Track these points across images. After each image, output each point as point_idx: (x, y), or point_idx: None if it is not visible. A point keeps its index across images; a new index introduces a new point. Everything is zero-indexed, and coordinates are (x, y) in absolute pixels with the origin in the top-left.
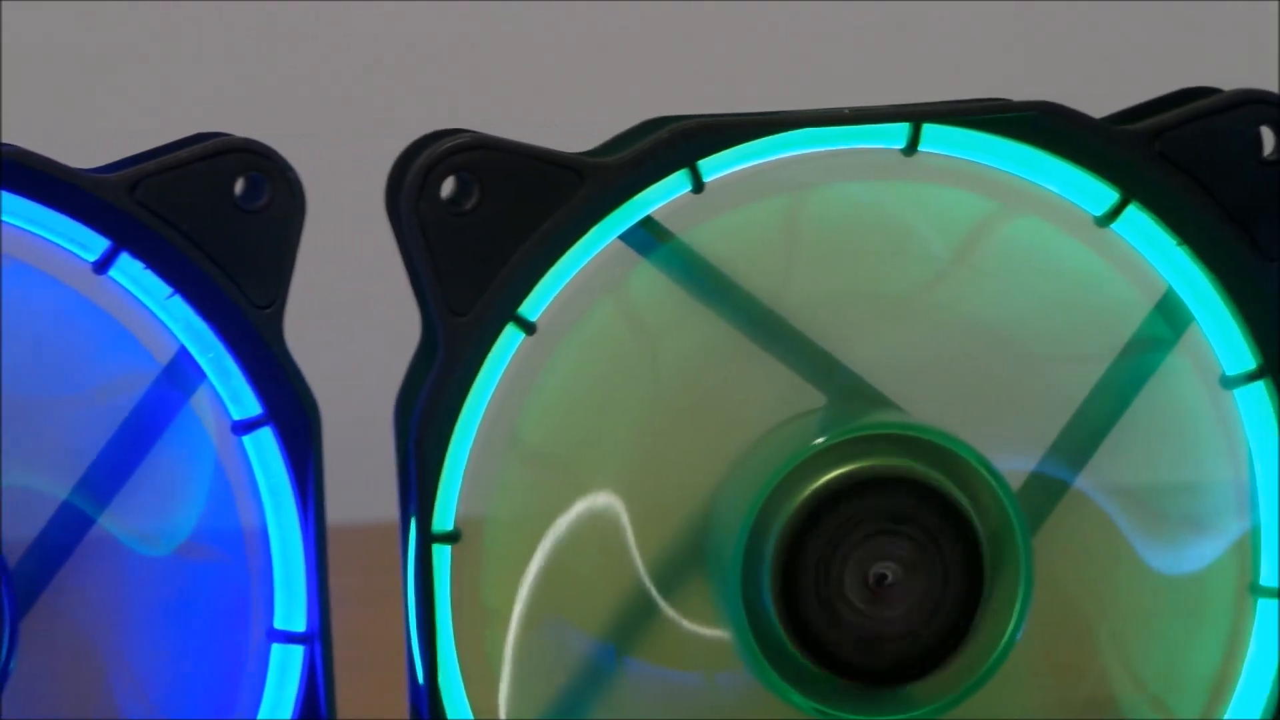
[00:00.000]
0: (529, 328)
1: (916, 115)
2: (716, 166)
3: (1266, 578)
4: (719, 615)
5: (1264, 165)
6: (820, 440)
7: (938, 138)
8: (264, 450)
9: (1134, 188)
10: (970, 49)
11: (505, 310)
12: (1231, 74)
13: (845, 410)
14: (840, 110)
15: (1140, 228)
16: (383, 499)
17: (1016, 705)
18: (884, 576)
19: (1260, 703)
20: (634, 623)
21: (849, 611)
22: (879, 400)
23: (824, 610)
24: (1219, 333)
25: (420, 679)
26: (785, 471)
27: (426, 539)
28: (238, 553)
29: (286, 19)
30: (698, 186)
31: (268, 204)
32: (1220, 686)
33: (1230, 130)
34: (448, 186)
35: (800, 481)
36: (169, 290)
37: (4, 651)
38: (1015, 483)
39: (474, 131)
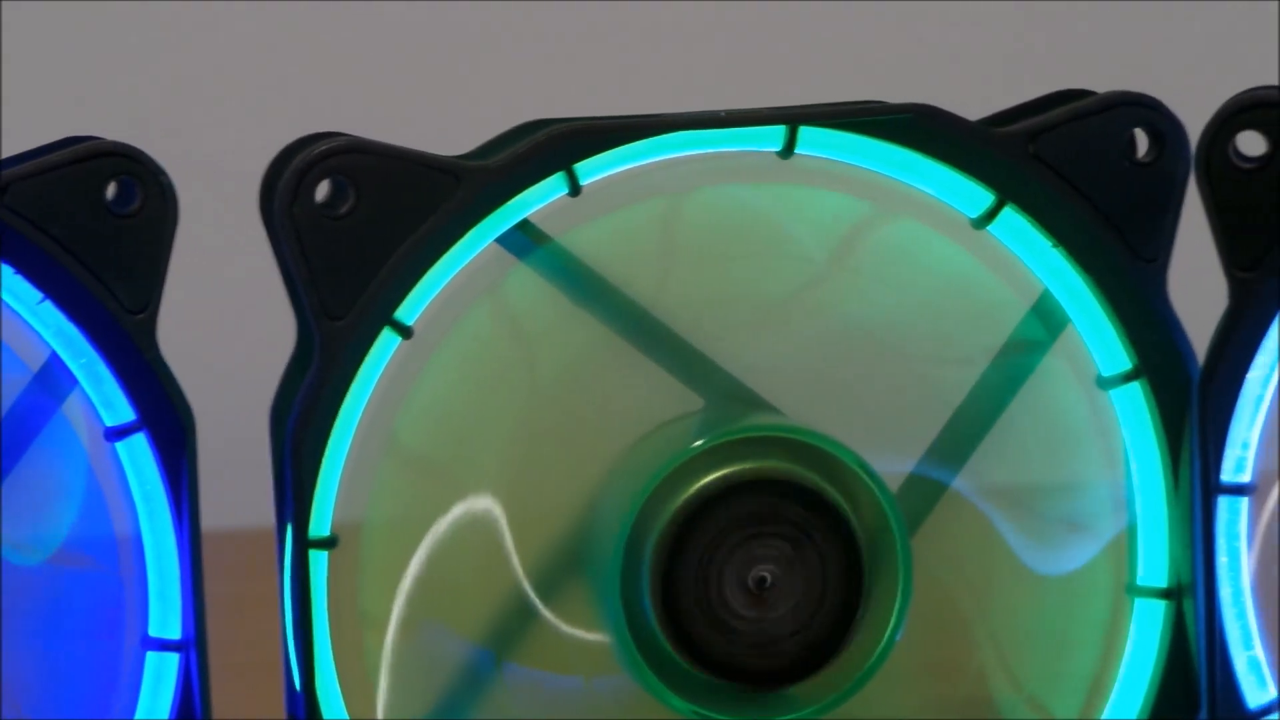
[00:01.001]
0: (405, 332)
1: (792, 117)
2: (593, 169)
3: (1143, 577)
4: (598, 619)
5: (1138, 167)
6: (699, 443)
7: (814, 140)
8: (138, 457)
9: (1009, 189)
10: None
11: (381, 314)
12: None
13: (723, 413)
14: (716, 113)
15: (1016, 229)
16: (259, 505)
17: (896, 705)
18: (763, 579)
19: (1137, 702)
20: (513, 627)
21: (728, 614)
22: (757, 403)
23: (703, 613)
24: (1095, 334)
25: (297, 685)
26: (664, 475)
27: (303, 545)
28: (111, 560)
29: (160, 20)
30: (574, 190)
31: (140, 208)
32: (1098, 686)
33: (1104, 132)
34: (322, 190)
35: (679, 485)
36: (40, 296)
37: None
38: (893, 484)
39: (349, 135)
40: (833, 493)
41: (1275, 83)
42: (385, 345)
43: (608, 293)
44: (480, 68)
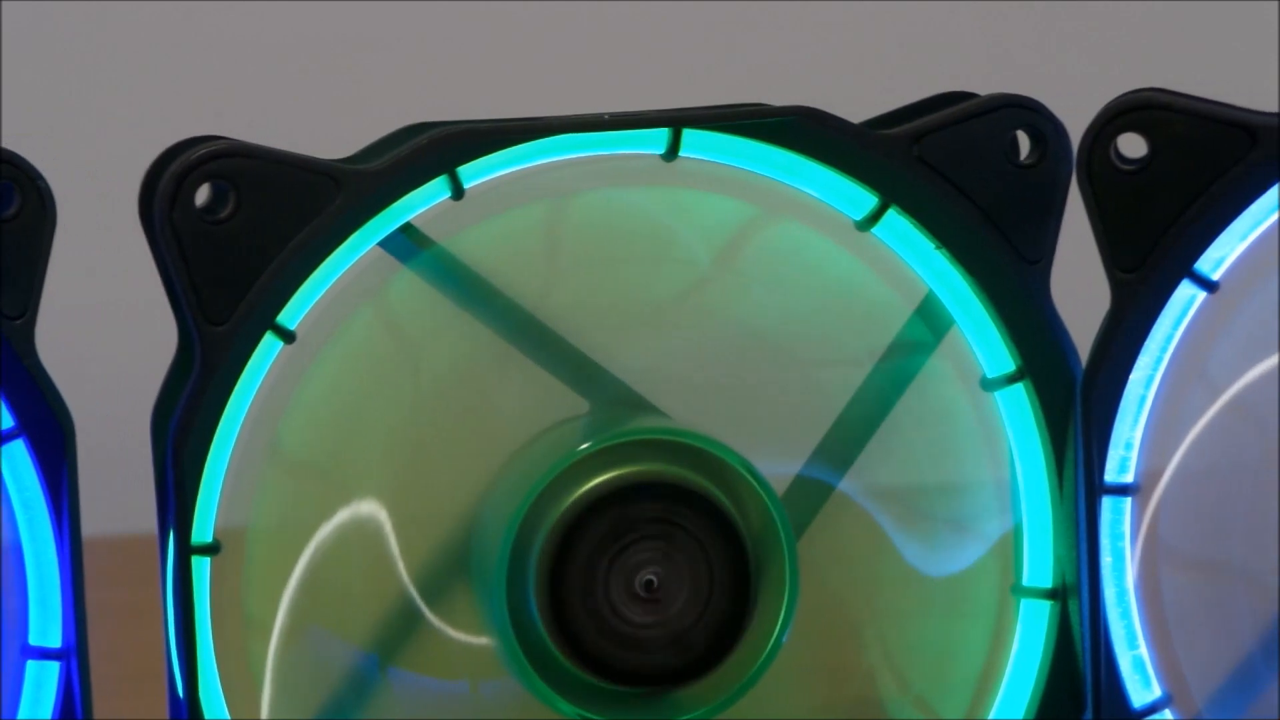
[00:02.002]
0: (288, 336)
1: (676, 120)
2: (477, 173)
3: (1028, 578)
4: (484, 623)
5: (1020, 169)
6: (584, 447)
7: (698, 143)
8: (16, 463)
9: (893, 192)
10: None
11: (263, 319)
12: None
13: (609, 416)
14: (600, 116)
15: (900, 231)
16: (141, 511)
17: (784, 707)
18: (650, 582)
19: (1023, 702)
20: (398, 632)
21: (615, 617)
22: (643, 406)
23: (590, 616)
24: (979, 335)
25: (180, 692)
26: (550, 478)
27: (185, 551)
28: None
29: (37, 24)
30: (458, 193)
31: (17, 213)
32: (984, 686)
33: (987, 134)
34: (202, 194)
35: (565, 488)
36: None
37: None
38: (780, 486)
39: (230, 138)
40: (719, 496)
41: (1161, 85)
42: (267, 350)
43: (492, 296)
44: (363, 70)
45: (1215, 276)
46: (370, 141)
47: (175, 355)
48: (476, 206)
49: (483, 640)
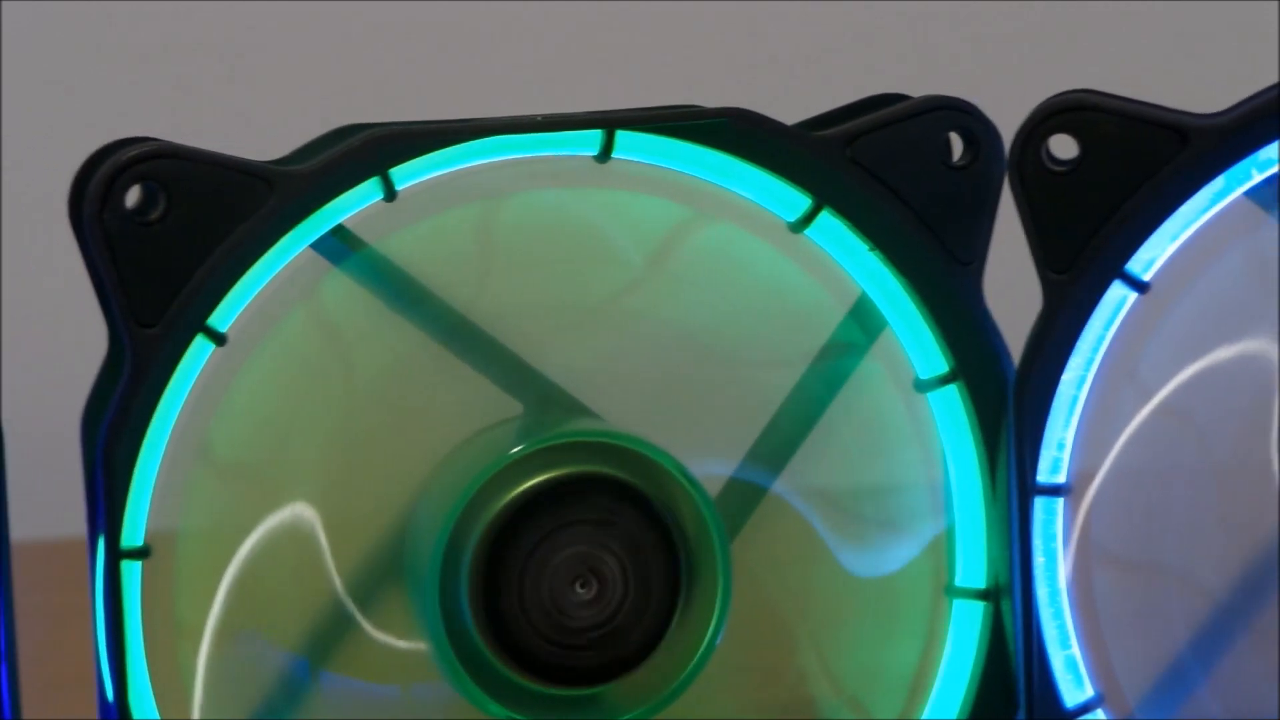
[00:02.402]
0: (219, 339)
1: (608, 122)
2: (409, 174)
3: (961, 578)
4: (416, 627)
5: (953, 170)
6: (517, 449)
7: (631, 144)
8: None
9: (826, 193)
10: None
11: (194, 321)
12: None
13: (542, 418)
14: (532, 117)
15: (833, 233)
16: (72, 515)
17: (717, 708)
18: (584, 584)
19: (956, 702)
20: (330, 636)
21: (548, 620)
22: (576, 408)
23: (524, 619)
24: (912, 337)
25: (109, 696)
26: (483, 481)
27: (115, 555)
28: None
29: None
30: (390, 194)
31: None
32: (917, 686)
33: (920, 136)
34: (133, 196)
35: (498, 490)
36: None
37: None
38: (713, 488)
39: (160, 139)
40: (652, 498)
41: (1091, 86)
42: (198, 352)
43: (424, 298)
44: (296, 71)
45: (1146, 277)
46: (303, 143)
47: (105, 358)
48: (409, 208)
49: (415, 644)
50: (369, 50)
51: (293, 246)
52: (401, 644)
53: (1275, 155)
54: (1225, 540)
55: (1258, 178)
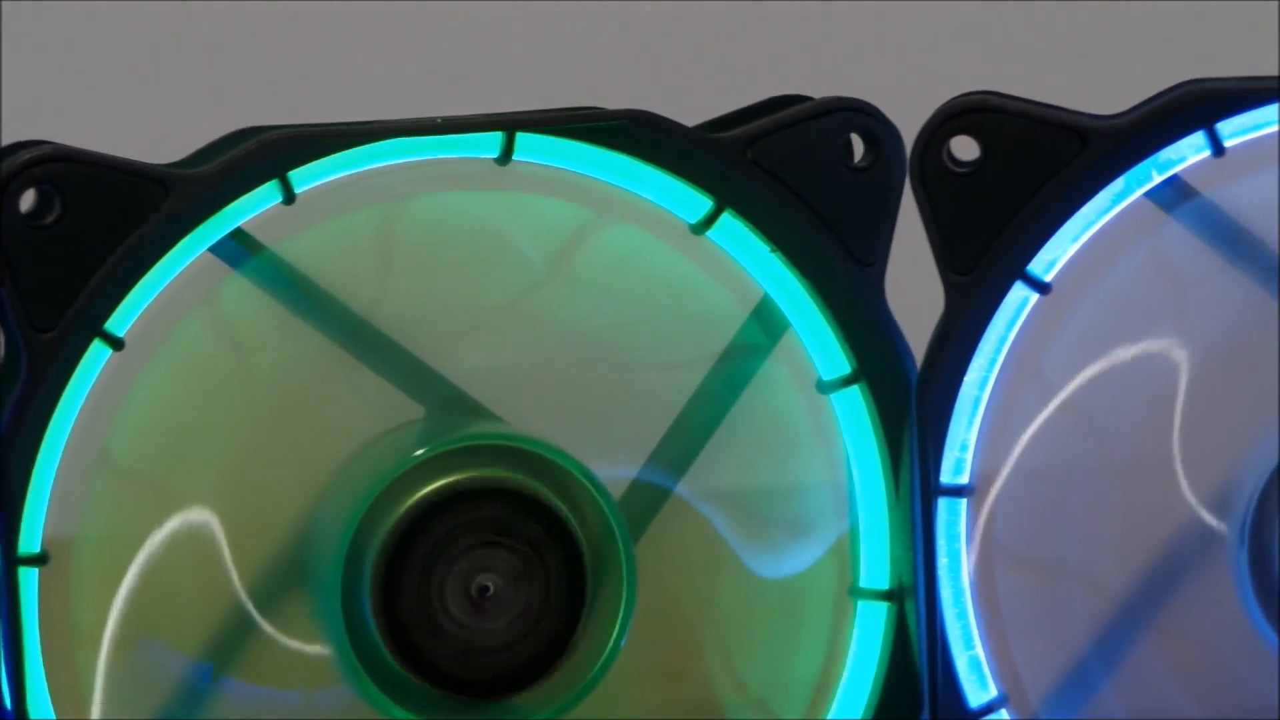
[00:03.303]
0: (116, 343)
1: (509, 124)
2: (308, 177)
3: (865, 579)
4: (319, 631)
5: (854, 172)
6: (419, 452)
7: (532, 146)
8: None
9: (727, 195)
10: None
11: (91, 326)
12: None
13: (444, 422)
14: (432, 120)
15: (735, 235)
16: None
17: (623, 710)
18: (486, 588)
19: (861, 703)
20: (231, 641)
21: (451, 624)
22: (478, 411)
23: (426, 623)
24: (814, 338)
25: (7, 704)
26: (384, 485)
27: (12, 561)
28: None
29: None
30: (289, 198)
31: None
32: (822, 687)
33: (821, 137)
34: (27, 200)
35: (399, 494)
36: None
37: None
38: (617, 491)
39: (54, 143)
40: (555, 500)
41: (994, 88)
42: (95, 357)
43: (325, 301)
44: (193, 73)
45: (1047, 278)
46: (201, 146)
47: (1, 362)
48: (308, 211)
49: (317, 648)
50: (270, 51)
51: (190, 250)
52: (303, 648)
53: (1175, 157)
54: (1127, 540)
55: (1157, 179)
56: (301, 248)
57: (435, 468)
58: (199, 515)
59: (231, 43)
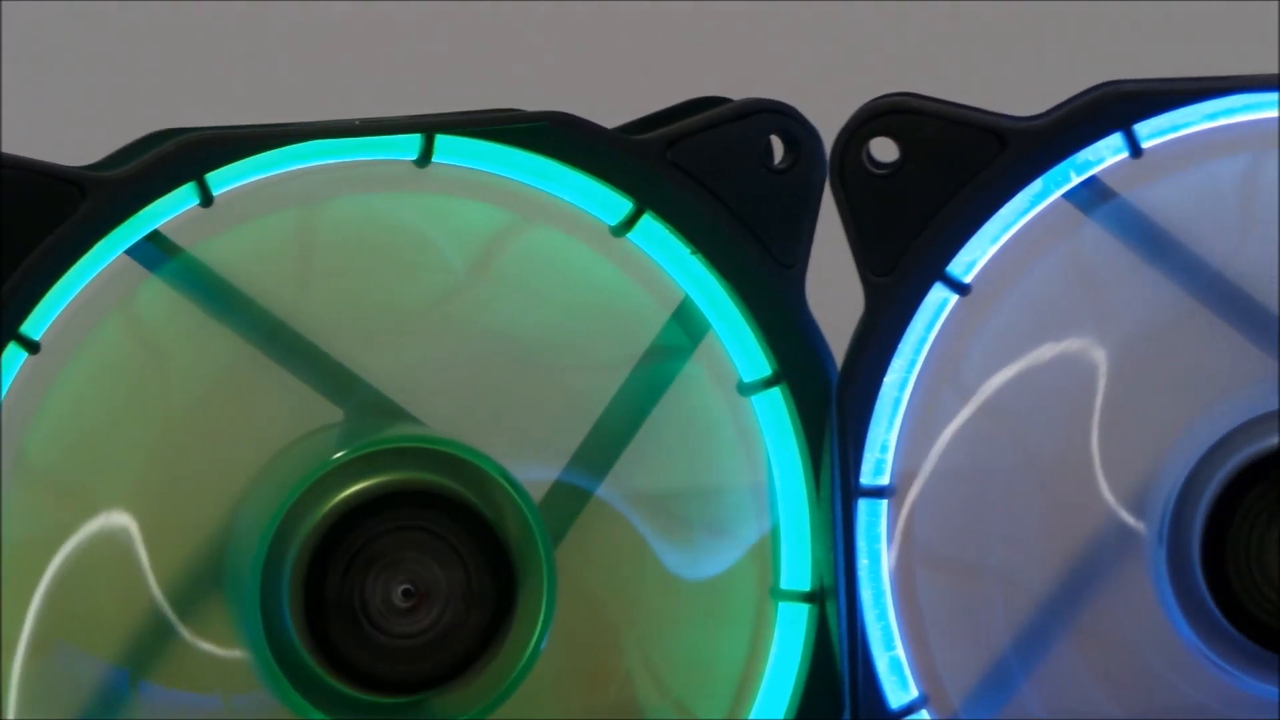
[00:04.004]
0: (32, 347)
1: (427, 126)
2: (226, 179)
3: (786, 581)
4: (238, 636)
5: (774, 173)
6: (339, 455)
7: (451, 148)
8: None
9: (648, 197)
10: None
11: (7, 329)
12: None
13: (364, 425)
14: (350, 122)
15: (655, 236)
16: None
17: (544, 712)
18: (408, 590)
19: (782, 704)
20: (149, 646)
21: (372, 626)
22: (398, 414)
23: (346, 626)
24: (735, 340)
25: None
26: (304, 488)
27: None
28: None
29: None
30: (206, 200)
31: None
32: (743, 688)
33: (741, 139)
34: None
35: (320, 498)
36: None
37: None
38: (538, 493)
39: None
40: (476, 503)
41: (914, 90)
42: (11, 360)
43: (243, 304)
44: (109, 74)
45: (967, 279)
46: (117, 147)
47: None
48: (226, 213)
49: (236, 653)
50: (187, 53)
51: (107, 253)
52: (223, 653)
53: (1093, 158)
54: (1046, 540)
55: (1076, 180)
56: (219, 250)
57: (355, 471)
58: (116, 519)
59: (148, 44)
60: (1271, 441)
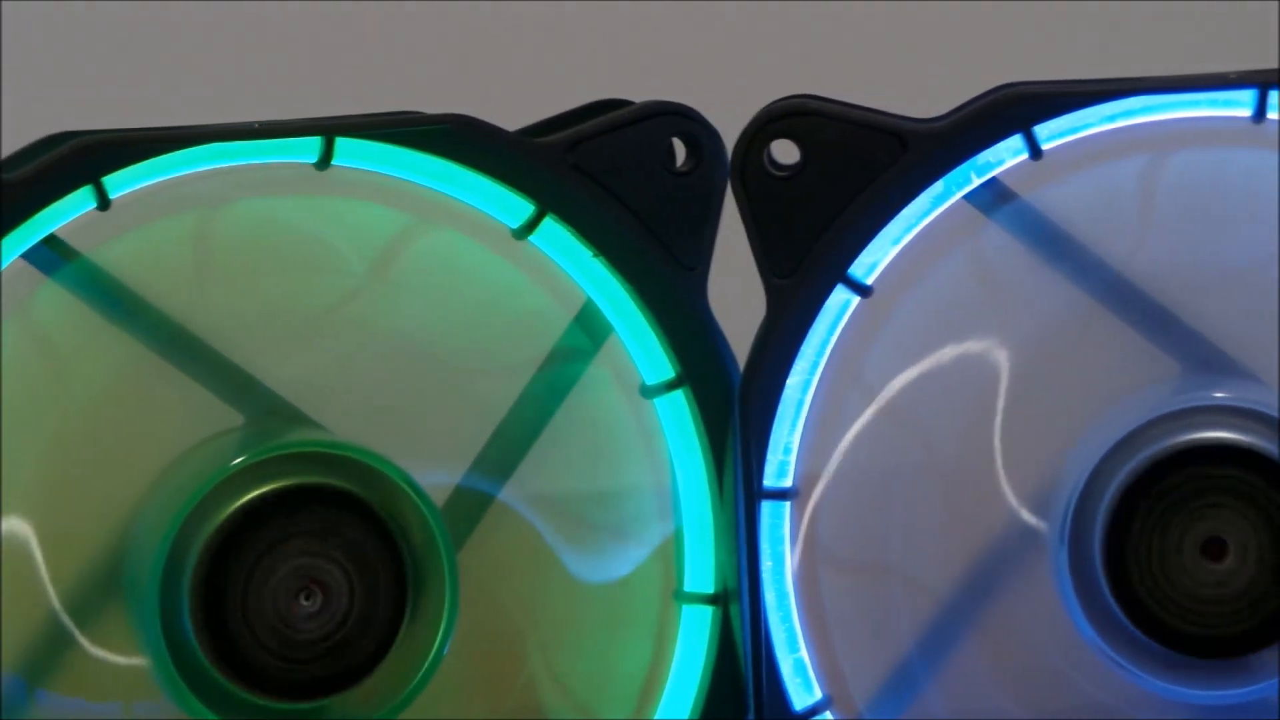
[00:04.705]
0: None
1: (327, 129)
2: (123, 182)
3: (690, 583)
4: (138, 643)
5: (676, 176)
6: (238, 460)
7: (351, 151)
8: None
9: (549, 200)
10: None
11: None
12: None
13: (264, 429)
14: (250, 124)
15: (557, 239)
16: None
17: (447, 716)
18: (308, 595)
19: (686, 706)
20: (47, 654)
21: (272, 632)
22: (299, 418)
23: (246, 631)
24: (638, 342)
25: None
26: (203, 493)
27: None
28: None
29: None
30: (103, 203)
31: None
32: (647, 691)
33: (643, 141)
34: None
35: (219, 502)
36: None
37: None
38: (440, 497)
39: None
40: (378, 507)
41: (817, 92)
42: None
43: (141, 309)
44: (8, 76)
45: (869, 281)
46: (12, 151)
47: None
48: (124, 217)
49: (136, 660)
50: (85, 55)
51: (3, 257)
52: (122, 661)
53: (993, 159)
54: (949, 541)
55: (976, 182)
56: (117, 254)
57: (255, 475)
58: (13, 526)
59: (44, 46)
60: (1171, 441)
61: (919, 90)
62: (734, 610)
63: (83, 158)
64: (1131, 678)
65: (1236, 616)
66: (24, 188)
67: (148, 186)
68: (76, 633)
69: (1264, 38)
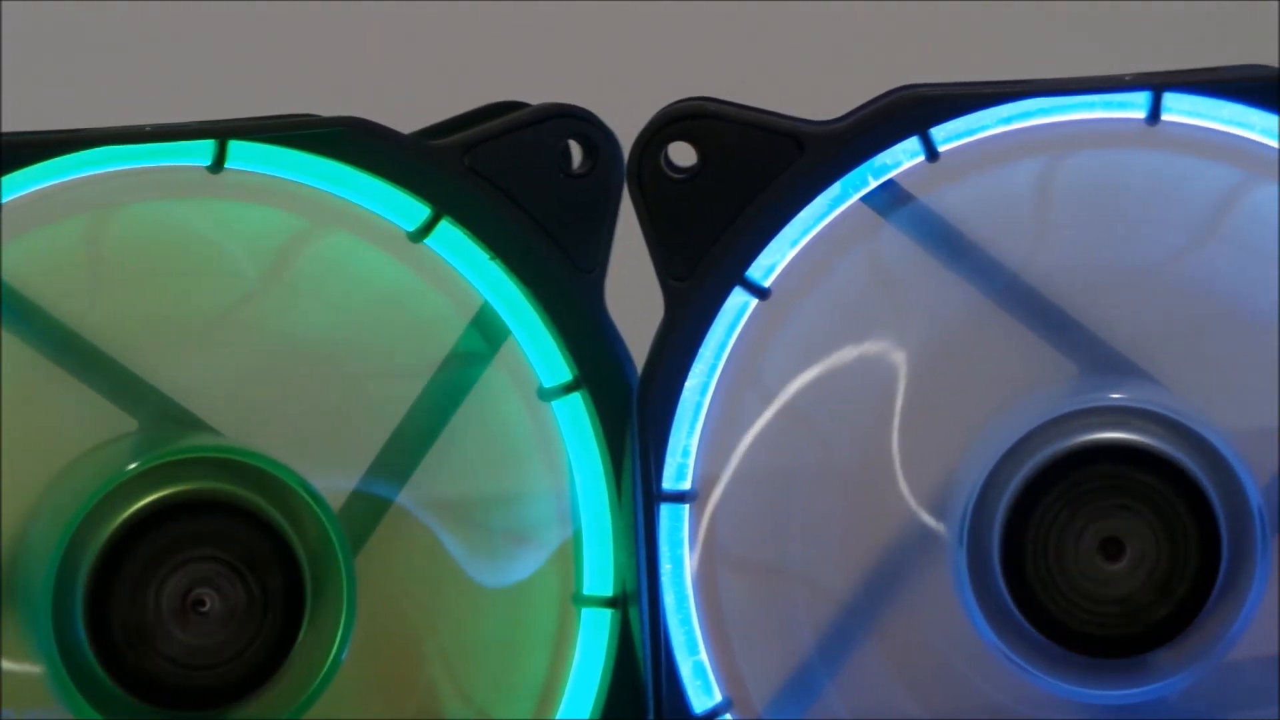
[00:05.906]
0: None
1: (220, 132)
2: (14, 186)
3: (589, 586)
4: (29, 650)
5: (573, 178)
6: (132, 466)
7: (245, 154)
8: None
9: (445, 203)
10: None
11: None
12: None
13: (158, 435)
14: (141, 127)
15: (453, 242)
16: None
17: None
18: (202, 602)
19: (586, 710)
20: None
21: (166, 639)
22: (194, 424)
23: (140, 639)
24: (535, 345)
25: None
26: (96, 499)
27: None
28: None
29: None
30: None
31: None
32: (547, 695)
33: (540, 144)
34: None
35: (112, 509)
36: None
37: None
38: (336, 502)
39: None
40: (273, 513)
41: (712, 94)
42: None
43: (32, 313)
44: None
45: (767, 283)
46: None
47: None
48: (14, 220)
49: (29, 668)
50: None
51: None
52: (15, 668)
53: (890, 161)
54: (848, 542)
55: (873, 184)
56: (7, 258)
57: (148, 481)
58: None
59: None
60: (1067, 443)
61: (816, 92)
62: (633, 613)
63: None
64: (1029, 678)
65: (1124, 619)
66: None
67: (39, 190)
68: None
69: (1160, 39)
